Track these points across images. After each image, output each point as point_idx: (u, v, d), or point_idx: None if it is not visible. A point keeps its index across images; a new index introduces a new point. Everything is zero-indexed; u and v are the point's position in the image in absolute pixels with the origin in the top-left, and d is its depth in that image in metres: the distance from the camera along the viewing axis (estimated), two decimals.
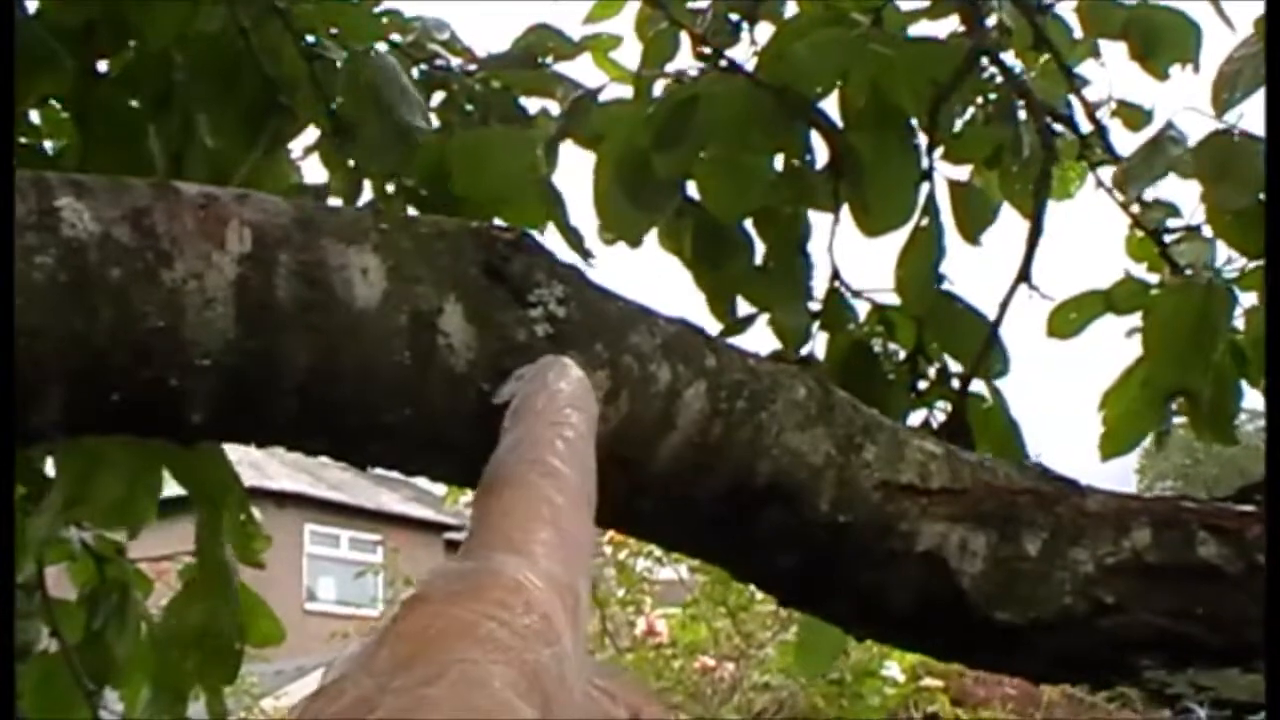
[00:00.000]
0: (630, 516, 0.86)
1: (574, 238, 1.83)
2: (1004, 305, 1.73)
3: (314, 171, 1.95)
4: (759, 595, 7.31)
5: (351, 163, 1.85)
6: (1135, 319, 1.96)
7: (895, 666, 7.11)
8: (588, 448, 0.67)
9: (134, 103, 1.54)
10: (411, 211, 1.81)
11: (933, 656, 1.06)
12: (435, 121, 1.93)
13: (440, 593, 0.53)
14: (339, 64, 1.67)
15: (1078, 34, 2.01)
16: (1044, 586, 0.96)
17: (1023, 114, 1.92)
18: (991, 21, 1.92)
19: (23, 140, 1.70)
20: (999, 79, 1.91)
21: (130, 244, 0.75)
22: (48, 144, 1.80)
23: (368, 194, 1.88)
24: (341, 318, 0.78)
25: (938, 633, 0.97)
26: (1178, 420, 2.02)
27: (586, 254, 1.83)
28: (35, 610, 1.98)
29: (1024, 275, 1.74)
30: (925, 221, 1.79)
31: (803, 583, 0.94)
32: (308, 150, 1.91)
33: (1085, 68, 2.00)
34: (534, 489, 0.62)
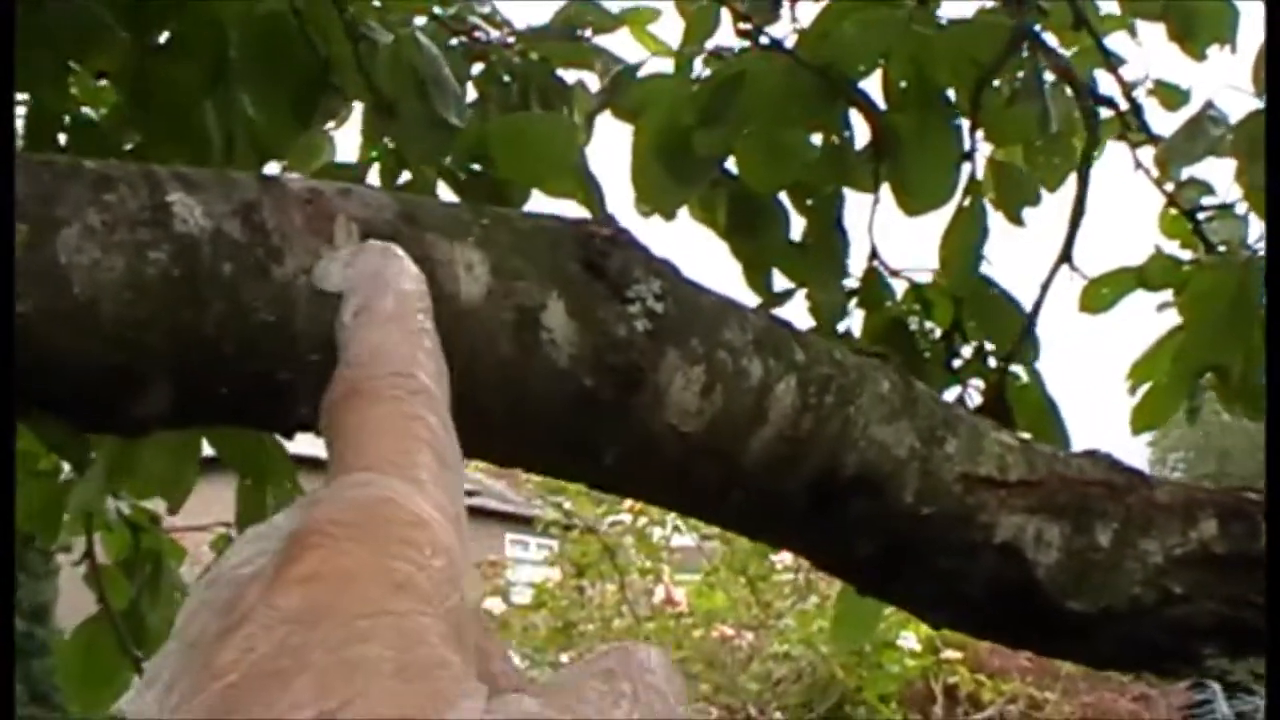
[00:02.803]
0: (721, 508, 0.87)
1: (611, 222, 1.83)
2: (1045, 286, 1.75)
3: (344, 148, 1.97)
4: (778, 564, 7.37)
5: (390, 144, 1.85)
6: (1162, 295, 1.98)
7: (912, 637, 7.14)
8: (441, 358, 0.62)
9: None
10: (444, 192, 1.81)
11: (1004, 644, 1.08)
12: (473, 93, 1.93)
13: (336, 526, 0.46)
14: (383, 45, 1.67)
15: (1114, 13, 2.01)
16: (1115, 576, 0.98)
17: (1051, 89, 1.92)
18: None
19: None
20: (1036, 58, 1.91)
21: (241, 239, 0.76)
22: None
23: (405, 175, 1.88)
24: (447, 313, 0.78)
25: (1011, 621, 0.99)
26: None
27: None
28: (53, 570, 1.99)
29: (1065, 256, 1.75)
30: (968, 202, 1.80)
31: (881, 571, 0.96)
32: (339, 122, 1.91)
33: (1120, 46, 2.00)
34: (404, 405, 0.56)
